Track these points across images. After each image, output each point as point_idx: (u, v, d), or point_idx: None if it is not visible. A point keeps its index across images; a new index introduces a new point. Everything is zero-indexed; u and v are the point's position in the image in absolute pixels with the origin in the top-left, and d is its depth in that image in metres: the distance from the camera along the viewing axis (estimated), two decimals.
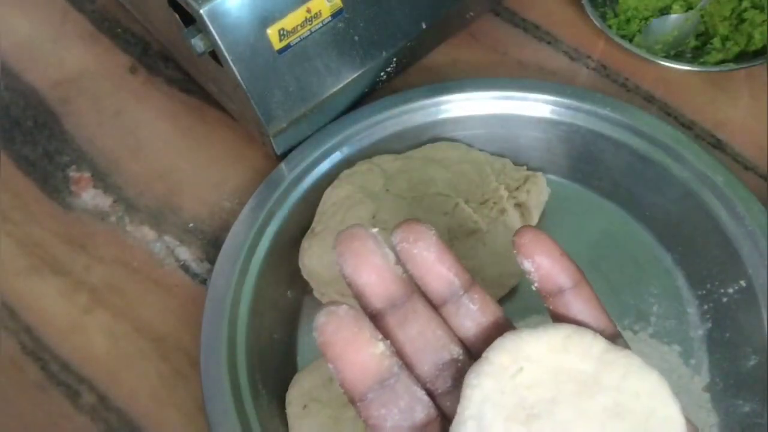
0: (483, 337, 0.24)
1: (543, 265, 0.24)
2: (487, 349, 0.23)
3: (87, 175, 0.52)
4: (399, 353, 0.23)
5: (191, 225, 0.50)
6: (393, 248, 0.24)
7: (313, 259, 0.44)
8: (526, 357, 0.23)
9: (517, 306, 0.46)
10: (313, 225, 0.46)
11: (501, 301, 0.46)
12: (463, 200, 0.46)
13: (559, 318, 0.25)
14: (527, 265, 0.24)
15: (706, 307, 0.45)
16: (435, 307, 0.25)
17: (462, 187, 0.47)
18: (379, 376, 0.22)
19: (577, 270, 0.25)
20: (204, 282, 0.48)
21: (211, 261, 0.48)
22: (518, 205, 0.47)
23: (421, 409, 0.23)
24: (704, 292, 0.45)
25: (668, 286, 0.46)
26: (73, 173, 0.52)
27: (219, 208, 0.50)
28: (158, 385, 0.44)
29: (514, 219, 0.47)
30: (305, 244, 0.45)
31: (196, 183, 0.51)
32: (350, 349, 0.22)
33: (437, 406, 0.23)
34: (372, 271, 0.23)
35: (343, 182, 0.46)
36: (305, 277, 0.45)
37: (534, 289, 0.25)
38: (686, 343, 0.44)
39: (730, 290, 0.43)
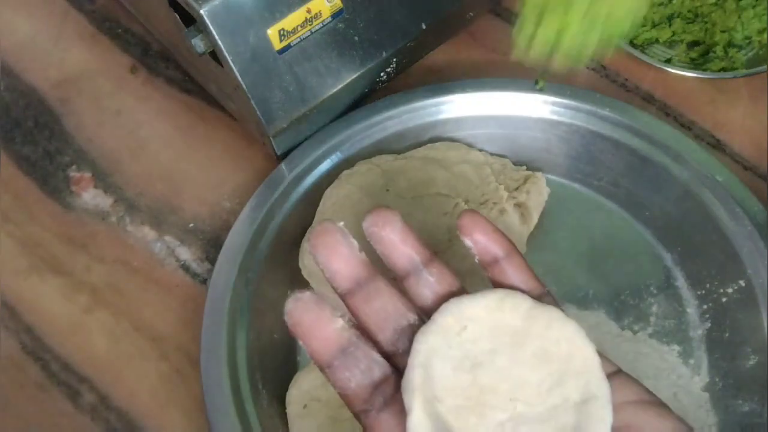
0: (440, 304, 0.28)
1: (479, 240, 0.29)
2: (434, 313, 0.27)
3: (87, 175, 0.52)
4: (364, 325, 0.28)
5: (191, 225, 0.50)
6: (365, 231, 0.28)
7: (313, 259, 0.44)
8: (468, 317, 0.27)
9: None
10: (313, 225, 0.46)
11: None
12: (462, 200, 0.46)
13: (497, 284, 0.29)
14: (467, 242, 0.29)
15: (705, 306, 0.45)
16: (400, 279, 0.29)
17: (462, 187, 0.47)
18: (340, 345, 0.27)
19: (509, 243, 0.29)
20: (204, 282, 0.48)
21: (212, 261, 0.48)
22: (518, 206, 0.47)
23: (378, 369, 0.27)
24: (704, 292, 0.45)
25: (668, 286, 0.46)
26: (73, 173, 0.52)
27: (219, 208, 0.50)
28: (158, 384, 0.44)
29: (513, 219, 0.47)
30: (305, 244, 0.45)
31: (196, 183, 0.51)
32: (315, 326, 0.27)
33: (397, 366, 0.27)
34: (341, 260, 0.28)
35: (344, 182, 0.46)
36: (305, 277, 0.45)
37: (476, 262, 0.29)
38: (686, 343, 0.44)
39: (730, 290, 0.43)
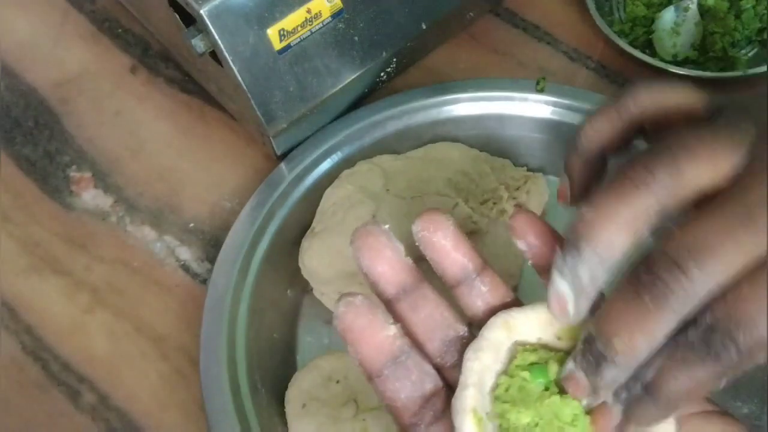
0: (491, 315, 0.26)
1: (534, 244, 0.26)
2: (483, 328, 0.26)
3: (87, 175, 0.52)
4: (411, 334, 0.26)
5: (191, 225, 0.50)
6: (414, 235, 0.27)
7: (313, 258, 0.44)
8: (518, 332, 0.26)
9: None
10: (313, 225, 0.46)
11: None
12: (463, 200, 0.46)
13: None
14: (521, 245, 0.27)
15: None
16: (450, 287, 0.27)
17: (462, 187, 0.47)
18: (392, 354, 0.25)
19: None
20: (204, 282, 0.48)
21: (211, 261, 0.48)
22: (518, 206, 0.47)
23: (430, 380, 0.26)
24: None
25: None
26: (73, 173, 0.52)
27: (219, 208, 0.50)
28: (158, 385, 0.44)
29: None
30: (305, 243, 0.45)
31: (196, 183, 0.52)
32: (366, 333, 0.25)
33: (445, 379, 0.26)
34: (385, 263, 0.26)
35: (344, 182, 0.46)
36: (305, 276, 0.45)
37: (530, 265, 0.27)
38: None
39: None
